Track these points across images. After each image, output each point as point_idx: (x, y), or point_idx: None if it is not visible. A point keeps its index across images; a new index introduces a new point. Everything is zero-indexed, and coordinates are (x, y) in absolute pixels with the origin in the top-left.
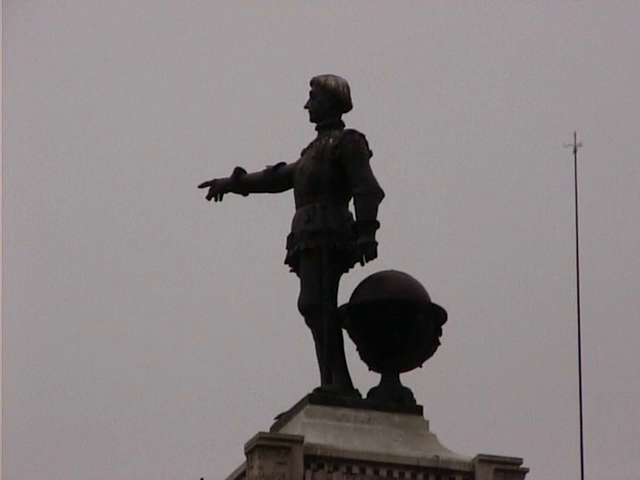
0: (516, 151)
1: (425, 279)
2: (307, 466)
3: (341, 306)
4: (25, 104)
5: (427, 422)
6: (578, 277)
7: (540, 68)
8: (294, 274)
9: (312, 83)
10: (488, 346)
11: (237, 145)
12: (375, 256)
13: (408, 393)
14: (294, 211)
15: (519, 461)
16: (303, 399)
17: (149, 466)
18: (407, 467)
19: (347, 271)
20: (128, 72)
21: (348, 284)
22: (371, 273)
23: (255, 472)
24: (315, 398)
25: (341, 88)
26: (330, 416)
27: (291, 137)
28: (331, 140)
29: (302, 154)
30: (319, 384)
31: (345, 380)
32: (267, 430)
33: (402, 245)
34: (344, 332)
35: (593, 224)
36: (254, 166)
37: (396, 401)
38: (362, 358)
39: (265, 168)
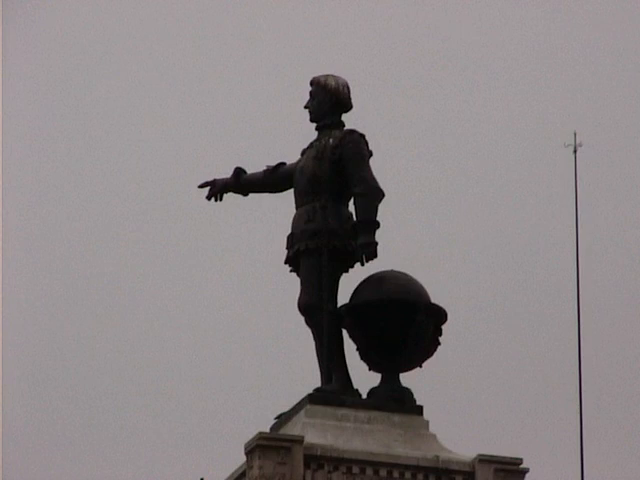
0: (516, 151)
1: (425, 279)
2: (307, 466)
3: (341, 306)
4: (25, 104)
5: (427, 422)
6: (578, 277)
7: (540, 68)
8: (294, 274)
9: (312, 83)
10: (488, 346)
11: (237, 145)
12: (375, 256)
13: (408, 393)
14: (294, 211)
15: (519, 461)
16: (303, 399)
17: (149, 466)
18: (407, 467)
19: (347, 271)
20: (128, 72)
21: (348, 284)
22: (371, 273)
23: (255, 472)
24: (315, 398)
25: (341, 88)
26: (330, 416)
27: (291, 137)
28: (331, 140)
29: (302, 154)
30: (319, 384)
31: (345, 380)
32: (267, 430)
33: (402, 245)
34: (344, 332)
35: (593, 224)
36: (254, 166)
37: (396, 401)
38: (362, 358)
39: (265, 168)
